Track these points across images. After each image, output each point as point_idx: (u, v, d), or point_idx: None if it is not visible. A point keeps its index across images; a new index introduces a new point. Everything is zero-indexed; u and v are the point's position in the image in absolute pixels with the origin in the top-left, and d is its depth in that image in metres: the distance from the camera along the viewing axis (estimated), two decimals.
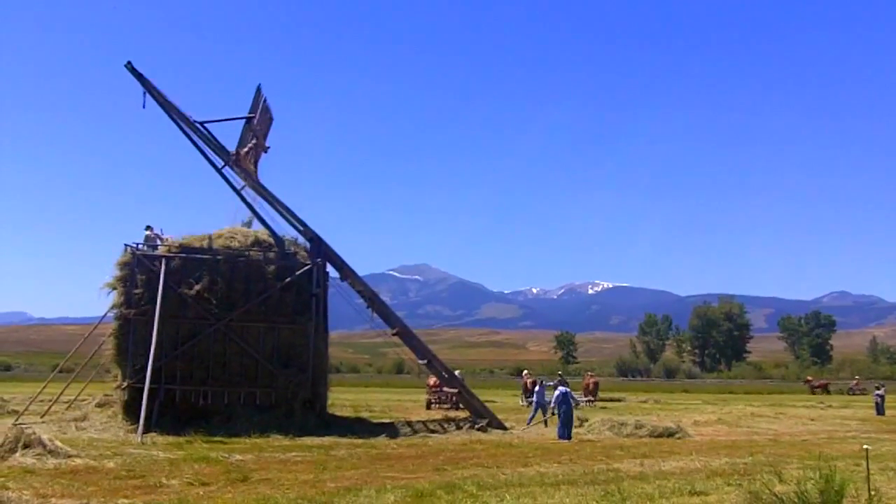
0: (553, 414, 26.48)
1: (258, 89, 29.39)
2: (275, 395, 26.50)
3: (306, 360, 27.13)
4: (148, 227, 28.43)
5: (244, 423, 24.34)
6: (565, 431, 25.21)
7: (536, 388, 32.11)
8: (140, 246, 27.51)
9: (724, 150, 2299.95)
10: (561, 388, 26.61)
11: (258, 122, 29.42)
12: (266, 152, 30.81)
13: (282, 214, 29.20)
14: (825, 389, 74.15)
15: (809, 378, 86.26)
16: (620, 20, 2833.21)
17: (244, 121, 28.91)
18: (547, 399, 30.26)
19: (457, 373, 34.67)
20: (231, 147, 28.65)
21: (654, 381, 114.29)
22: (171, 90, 28.12)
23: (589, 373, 64.39)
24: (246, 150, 28.78)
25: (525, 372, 55.81)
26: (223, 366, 26.59)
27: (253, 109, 29.00)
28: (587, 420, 29.34)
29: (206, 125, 28.37)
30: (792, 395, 70.53)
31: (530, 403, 45.17)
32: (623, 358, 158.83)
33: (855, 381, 78.97)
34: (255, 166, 29.76)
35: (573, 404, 27.15)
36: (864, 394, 69.82)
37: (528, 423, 29.93)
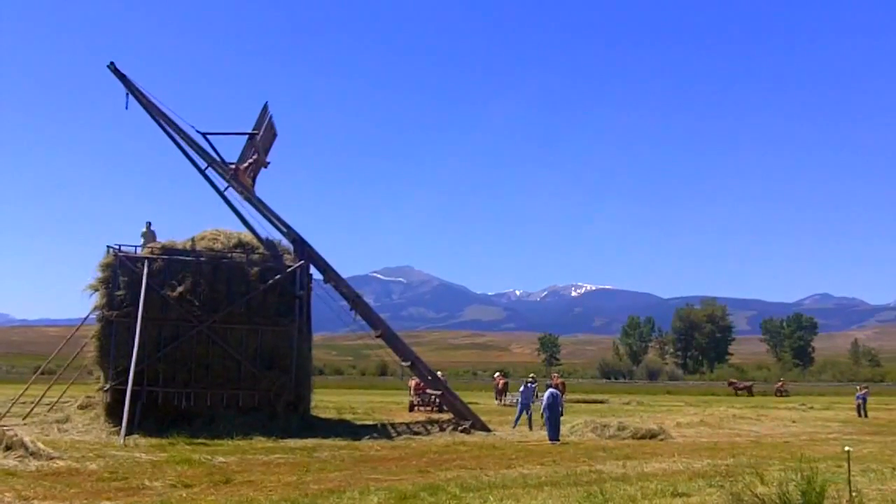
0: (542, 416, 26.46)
1: (265, 107, 29.70)
2: (258, 397, 26.49)
3: (289, 362, 27.13)
4: (147, 224, 28.55)
5: (227, 425, 24.29)
6: (552, 433, 25.21)
7: (521, 389, 32.07)
8: (138, 246, 27.67)
9: (706, 152, 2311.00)
10: (550, 391, 26.60)
11: (261, 139, 29.48)
12: (266, 167, 30.82)
13: (265, 216, 29.20)
14: (749, 391, 74.76)
15: (733, 380, 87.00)
16: (606, 18, 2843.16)
17: (247, 136, 29.05)
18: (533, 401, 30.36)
19: (438, 374, 34.69)
20: (230, 158, 28.79)
21: (636, 383, 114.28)
22: (151, 88, 28.07)
23: (555, 374, 65.00)
24: (245, 165, 28.86)
25: (497, 374, 56.52)
26: (206, 368, 26.54)
27: (257, 126, 29.15)
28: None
29: (208, 136, 28.37)
30: (773, 396, 70.84)
31: (504, 404, 45.40)
32: (606, 360, 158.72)
33: (780, 383, 79.64)
34: (254, 181, 29.80)
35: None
36: (787, 395, 71.28)
37: (514, 425, 29.98)
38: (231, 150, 29.10)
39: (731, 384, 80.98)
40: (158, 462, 18.02)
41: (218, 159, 28.44)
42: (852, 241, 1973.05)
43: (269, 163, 30.98)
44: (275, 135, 31.28)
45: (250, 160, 29.18)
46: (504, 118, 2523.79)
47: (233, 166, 28.48)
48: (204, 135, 28.24)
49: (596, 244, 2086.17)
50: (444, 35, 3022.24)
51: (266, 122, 29.67)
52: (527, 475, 16.94)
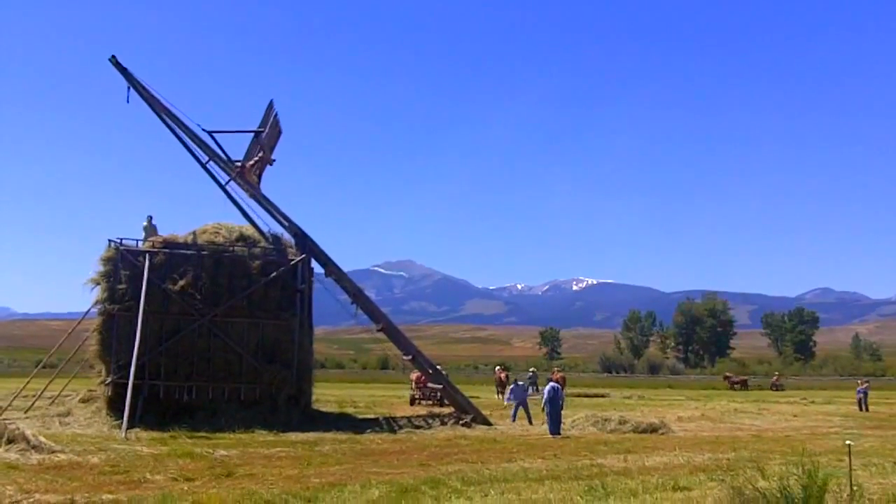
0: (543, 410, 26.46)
1: (270, 104, 29.81)
2: (259, 391, 26.48)
3: (291, 355, 27.14)
4: (148, 218, 28.54)
5: (228, 419, 24.34)
6: (553, 427, 25.20)
7: (511, 387, 32.14)
8: (140, 239, 27.69)
9: (707, 147, 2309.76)
10: (551, 384, 26.61)
11: (266, 136, 29.48)
12: (271, 164, 30.79)
13: (267, 210, 29.16)
14: (744, 385, 74.67)
15: (728, 374, 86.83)
16: (607, 15, 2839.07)
17: (253, 134, 29.14)
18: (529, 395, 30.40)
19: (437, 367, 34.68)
20: (235, 156, 28.89)
21: (637, 377, 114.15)
22: (157, 85, 28.00)
23: (556, 369, 65.50)
24: (251, 163, 28.88)
25: (497, 367, 56.78)
26: (207, 361, 26.55)
27: (263, 124, 29.22)
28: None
29: (214, 134, 28.36)
30: (770, 391, 70.73)
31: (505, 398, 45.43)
32: (607, 354, 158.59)
33: (775, 377, 79.39)
34: (259, 178, 29.80)
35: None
36: (782, 389, 71.08)
37: (513, 420, 29.96)
38: (234, 147, 29.09)
39: (726, 378, 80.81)
40: (160, 455, 18.04)
41: (224, 157, 28.44)
42: (853, 235, 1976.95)
43: (274, 160, 30.95)
44: (280, 132, 31.28)
45: (256, 158, 29.20)
46: (506, 114, 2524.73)
47: (239, 164, 28.51)
48: (210, 133, 28.25)
49: (597, 238, 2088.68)
50: (448, 32, 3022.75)
51: (271, 119, 29.71)
52: (528, 469, 16.94)
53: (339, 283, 29.52)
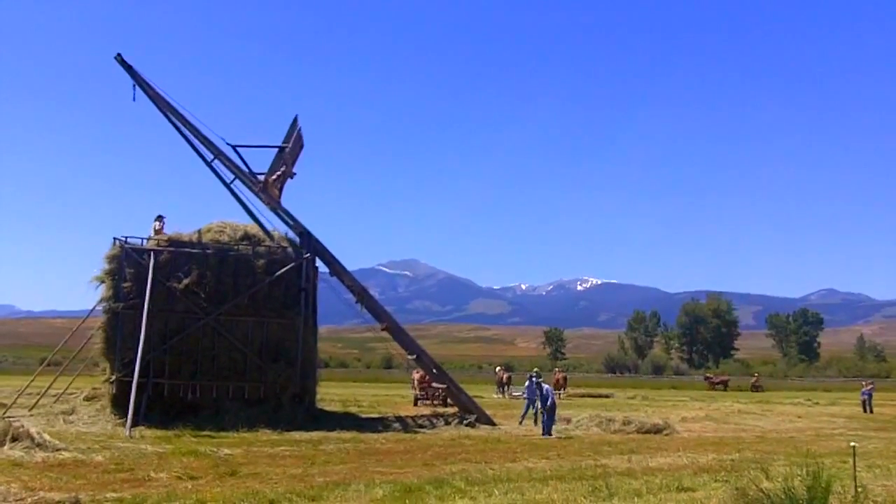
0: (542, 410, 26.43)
1: (295, 120, 29.82)
2: (263, 390, 26.49)
3: (295, 354, 27.11)
4: (158, 218, 28.52)
5: (233, 418, 24.30)
6: (547, 429, 25.17)
7: (526, 385, 32.04)
8: (148, 236, 27.71)
9: (712, 147, 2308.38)
10: (547, 387, 26.59)
11: (289, 151, 29.54)
12: (292, 178, 30.81)
13: (276, 212, 29.17)
14: (724, 386, 74.73)
15: (709, 375, 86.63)
16: (610, 18, 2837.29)
17: (277, 149, 29.22)
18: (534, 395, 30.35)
19: None
20: (257, 168, 28.97)
21: (642, 378, 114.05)
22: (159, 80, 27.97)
23: (557, 368, 66.00)
24: (274, 177, 28.92)
25: (498, 368, 56.99)
26: (212, 360, 26.55)
27: (287, 139, 29.25)
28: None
29: (238, 149, 28.43)
30: (779, 392, 70.77)
31: (504, 397, 45.31)
32: (611, 354, 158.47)
33: (755, 378, 79.22)
34: (280, 192, 29.81)
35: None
36: (762, 390, 71.23)
37: (521, 420, 29.92)
38: (249, 156, 29.09)
39: (707, 379, 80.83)
40: (164, 454, 18.05)
41: (247, 171, 28.47)
42: (858, 236, 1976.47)
43: (295, 173, 30.98)
44: (302, 146, 31.29)
45: (279, 172, 29.26)
46: (512, 114, 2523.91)
47: (262, 178, 28.58)
48: (234, 147, 28.30)
49: (602, 238, 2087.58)
50: (456, 31, 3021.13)
51: (295, 134, 29.77)
52: (532, 469, 16.95)
53: (344, 282, 29.52)
